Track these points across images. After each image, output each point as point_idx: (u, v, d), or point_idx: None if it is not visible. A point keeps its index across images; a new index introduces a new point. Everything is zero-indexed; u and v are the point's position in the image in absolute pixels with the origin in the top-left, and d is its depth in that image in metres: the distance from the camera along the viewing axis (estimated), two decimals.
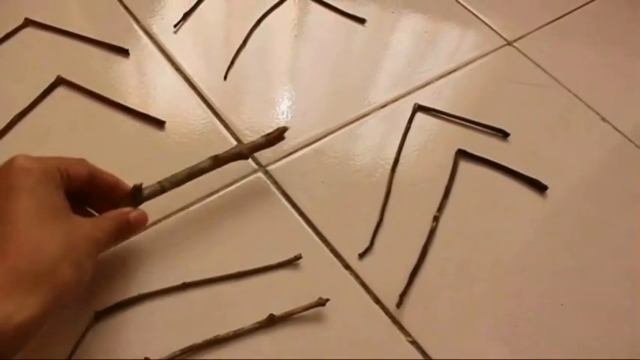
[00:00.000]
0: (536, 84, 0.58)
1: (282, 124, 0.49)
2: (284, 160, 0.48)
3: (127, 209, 0.37)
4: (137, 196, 0.38)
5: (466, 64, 0.58)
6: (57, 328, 0.36)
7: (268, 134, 0.44)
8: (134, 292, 0.39)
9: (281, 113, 0.51)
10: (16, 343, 0.28)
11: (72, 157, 0.36)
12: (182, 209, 0.43)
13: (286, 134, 0.44)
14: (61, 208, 0.33)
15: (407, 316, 0.40)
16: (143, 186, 0.38)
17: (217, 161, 0.42)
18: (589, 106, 0.57)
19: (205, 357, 0.37)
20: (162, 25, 0.56)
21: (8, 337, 0.27)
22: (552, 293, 0.43)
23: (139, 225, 0.38)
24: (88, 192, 0.37)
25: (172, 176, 0.40)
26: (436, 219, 0.45)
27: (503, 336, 0.41)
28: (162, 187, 0.39)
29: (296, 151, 0.48)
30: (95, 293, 0.38)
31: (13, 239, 0.29)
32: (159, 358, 0.36)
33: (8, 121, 0.46)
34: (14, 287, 0.28)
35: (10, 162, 0.33)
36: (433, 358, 0.39)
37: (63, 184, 0.34)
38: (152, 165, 0.45)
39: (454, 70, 0.58)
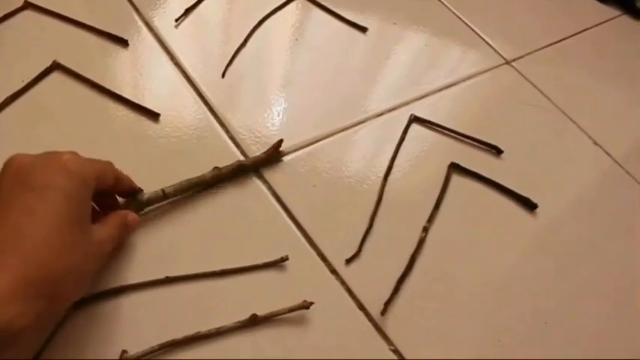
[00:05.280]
0: (532, 104, 0.58)
1: (277, 126, 0.49)
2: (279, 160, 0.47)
3: (125, 212, 0.38)
4: (135, 202, 0.40)
5: (464, 80, 0.59)
6: None
7: (267, 150, 0.46)
8: (116, 284, 0.38)
9: (277, 115, 0.50)
10: (8, 349, 0.27)
11: (103, 162, 0.36)
12: (171, 203, 0.43)
13: (281, 135, 0.44)
14: (86, 218, 0.33)
15: (390, 325, 0.40)
16: (145, 192, 0.40)
17: (219, 175, 0.44)
18: (582, 129, 0.57)
19: (185, 353, 0.36)
20: (163, 18, 0.55)
21: (5, 342, 0.27)
22: (536, 311, 0.43)
23: (133, 227, 0.39)
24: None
25: (176, 184, 0.42)
26: (425, 230, 0.45)
27: (485, 350, 0.40)
28: (164, 194, 0.41)
29: (289, 153, 0.48)
30: None
31: (33, 238, 0.29)
32: (137, 351, 0.35)
33: (0, 102, 0.45)
34: (20, 292, 0.28)
35: (57, 157, 0.32)
36: None
37: (94, 192, 0.34)
38: (144, 156, 0.45)
39: (452, 85, 0.58)
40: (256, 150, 0.47)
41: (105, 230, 0.35)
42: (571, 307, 0.44)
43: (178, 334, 0.36)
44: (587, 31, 0.69)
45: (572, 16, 0.71)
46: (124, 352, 0.35)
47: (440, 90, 0.57)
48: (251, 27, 0.57)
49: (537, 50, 0.64)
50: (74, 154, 0.34)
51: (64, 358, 0.35)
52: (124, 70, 0.51)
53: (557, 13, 0.71)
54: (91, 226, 0.33)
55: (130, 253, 0.40)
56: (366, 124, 0.52)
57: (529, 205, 0.49)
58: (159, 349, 0.36)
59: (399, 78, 0.57)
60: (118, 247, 0.39)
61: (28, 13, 0.52)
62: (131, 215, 0.38)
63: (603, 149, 0.56)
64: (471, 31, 0.64)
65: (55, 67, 0.49)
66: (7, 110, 0.45)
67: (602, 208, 0.51)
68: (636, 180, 0.54)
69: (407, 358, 0.39)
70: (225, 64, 0.53)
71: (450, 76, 0.59)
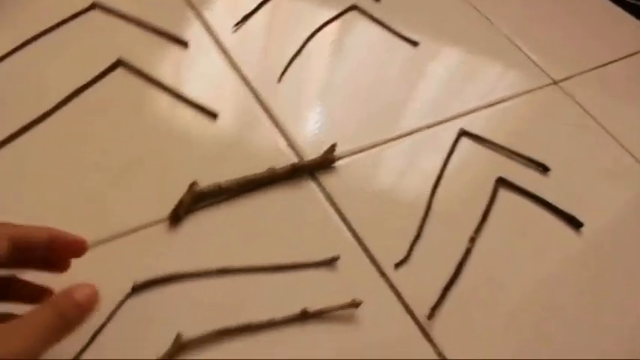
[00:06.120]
0: (578, 124, 0.59)
1: (331, 131, 0.51)
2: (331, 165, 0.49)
3: (69, 290, 0.28)
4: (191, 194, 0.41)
5: (511, 98, 0.60)
6: None
7: (322, 154, 0.47)
8: (173, 270, 0.39)
9: (331, 120, 0.52)
10: None
11: None
12: (227, 199, 0.44)
13: (335, 140, 0.46)
14: None
15: (436, 329, 0.40)
16: (200, 185, 0.42)
17: (275, 175, 0.45)
18: (628, 151, 0.57)
19: (236, 342, 0.37)
20: (222, 23, 0.57)
21: None
22: (577, 327, 0.43)
23: (89, 307, 0.28)
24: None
25: (232, 180, 0.44)
26: (472, 240, 0.46)
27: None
28: (221, 188, 0.43)
29: (342, 157, 0.49)
30: (135, 267, 0.39)
31: None
32: (191, 335, 0.36)
33: (67, 94, 0.47)
34: None
35: None
36: None
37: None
38: (202, 154, 0.46)
39: (499, 102, 0.59)
40: (310, 153, 0.48)
41: (16, 343, 0.25)
42: (612, 327, 0.44)
43: (230, 323, 0.37)
44: (634, 56, 0.70)
45: (621, 38, 0.71)
46: (179, 335, 0.36)
47: (487, 106, 0.58)
48: (306, 35, 0.58)
49: (584, 72, 0.65)
50: None
51: (119, 339, 0.36)
52: (183, 70, 0.53)
53: (604, 35, 0.71)
54: None
55: (187, 242, 0.41)
56: (415, 134, 0.53)
57: (575, 224, 0.49)
58: (212, 335, 0.36)
59: (449, 92, 0.58)
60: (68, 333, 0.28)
61: (95, 13, 0.55)
62: (84, 289, 0.28)
63: None
64: (519, 51, 0.65)
65: (120, 63, 0.51)
66: (72, 103, 0.47)
67: None
68: None
69: None
70: (282, 69, 0.54)
71: (498, 93, 0.60)
